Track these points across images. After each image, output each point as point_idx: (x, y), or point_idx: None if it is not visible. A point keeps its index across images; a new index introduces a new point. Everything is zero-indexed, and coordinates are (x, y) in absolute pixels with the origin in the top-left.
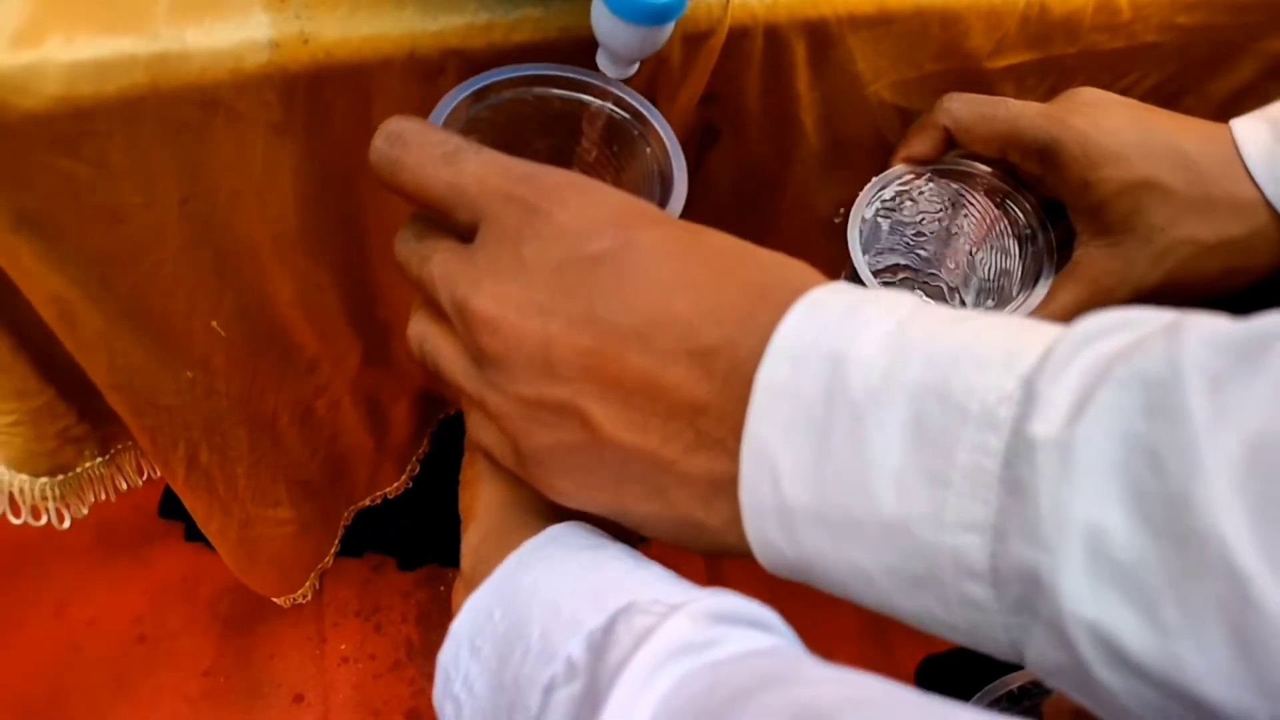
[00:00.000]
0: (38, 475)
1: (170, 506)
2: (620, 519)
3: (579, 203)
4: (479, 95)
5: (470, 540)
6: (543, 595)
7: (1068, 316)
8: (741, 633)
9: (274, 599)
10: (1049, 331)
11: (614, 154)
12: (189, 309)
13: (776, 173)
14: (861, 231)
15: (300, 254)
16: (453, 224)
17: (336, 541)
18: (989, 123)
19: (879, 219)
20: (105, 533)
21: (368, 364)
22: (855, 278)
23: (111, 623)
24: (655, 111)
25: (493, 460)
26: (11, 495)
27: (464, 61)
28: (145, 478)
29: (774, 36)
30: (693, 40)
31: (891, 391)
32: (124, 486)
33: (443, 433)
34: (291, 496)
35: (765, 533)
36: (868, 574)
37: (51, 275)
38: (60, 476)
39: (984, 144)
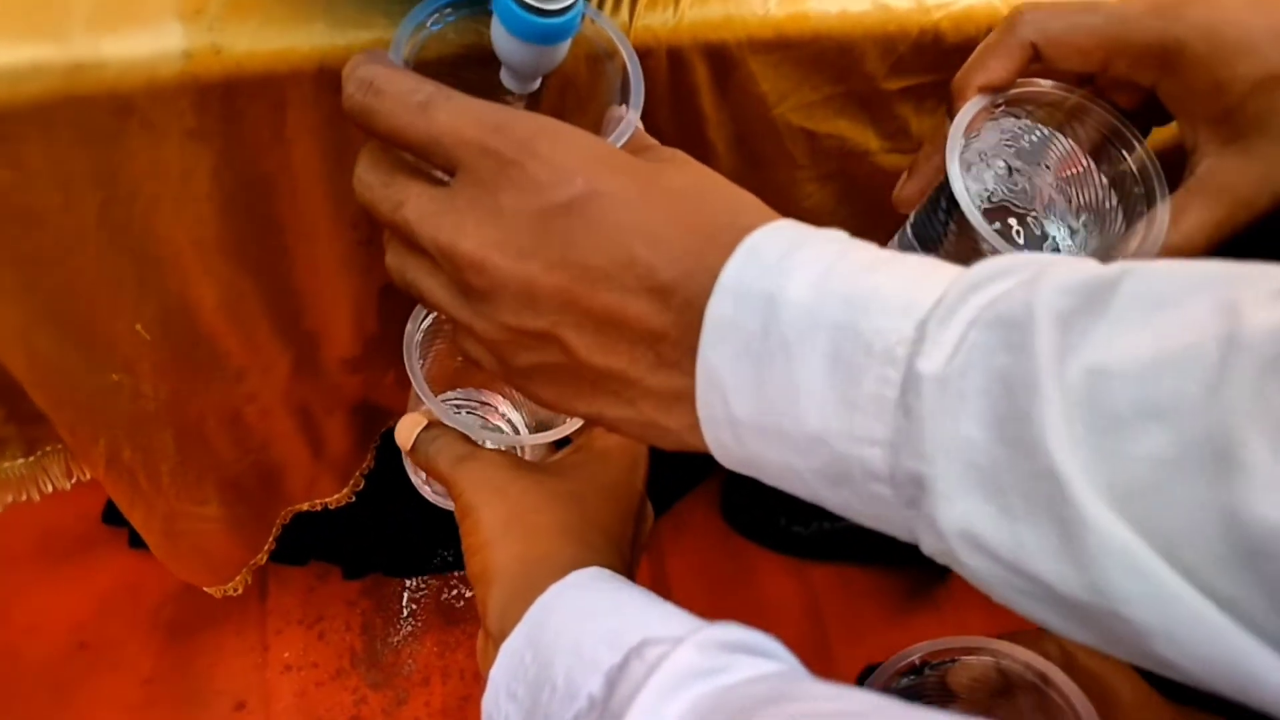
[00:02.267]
0: None
1: (114, 513)
2: (596, 422)
3: (548, 150)
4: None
5: (494, 601)
6: (565, 639)
7: (1206, 238)
8: (748, 659)
9: (205, 589)
10: (945, 277)
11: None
12: (112, 312)
13: None
14: (962, 171)
15: (221, 259)
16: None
17: (271, 540)
18: (1086, 31)
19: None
20: (47, 539)
21: (297, 375)
22: (951, 219)
23: (52, 629)
24: (618, 31)
25: (494, 518)
26: None
27: None
28: (74, 480)
29: (677, 58)
30: (596, 59)
31: (815, 330)
32: (49, 488)
33: (386, 446)
34: (222, 496)
35: (718, 436)
36: (799, 472)
37: None
38: None
39: (1081, 56)
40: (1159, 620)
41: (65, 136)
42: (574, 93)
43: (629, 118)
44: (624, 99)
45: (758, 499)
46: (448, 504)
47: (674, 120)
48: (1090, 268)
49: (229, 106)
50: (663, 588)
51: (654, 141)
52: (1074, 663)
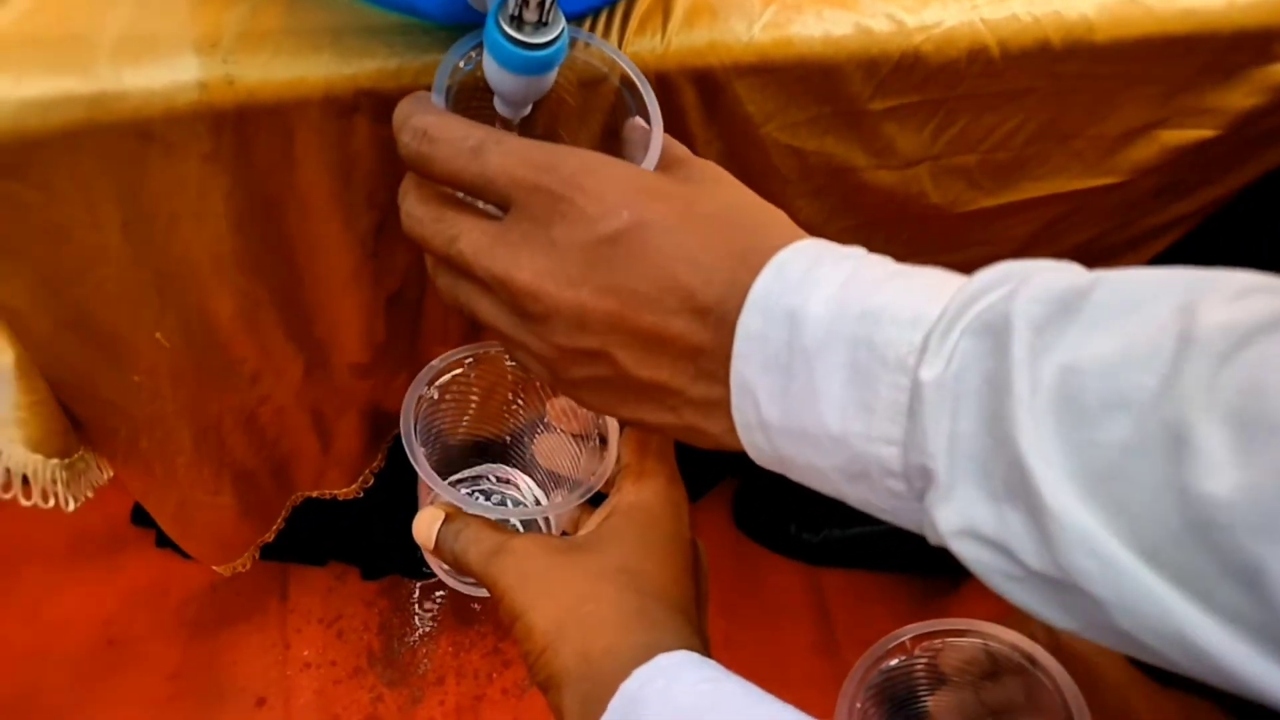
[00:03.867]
0: (50, 457)
1: (142, 515)
2: (637, 426)
3: (594, 186)
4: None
5: (569, 707)
6: None
7: None
8: None
9: (213, 567)
10: (948, 290)
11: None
12: (133, 321)
13: None
14: None
15: (238, 272)
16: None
17: (281, 520)
18: None
19: None
20: (78, 538)
21: (309, 379)
22: None
23: (82, 626)
24: (622, 54)
25: (546, 619)
26: (24, 477)
27: (376, 101)
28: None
29: (665, 81)
30: (589, 84)
31: (834, 342)
32: (105, 477)
33: (399, 447)
34: (235, 488)
35: (752, 438)
36: (822, 471)
37: (2, 284)
38: (66, 460)
39: None
40: (1115, 595)
41: (90, 160)
42: (566, 113)
43: (655, 132)
44: (628, 112)
45: (769, 506)
46: (476, 590)
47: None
48: (1066, 277)
49: (241, 132)
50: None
51: (686, 153)
52: (1060, 645)
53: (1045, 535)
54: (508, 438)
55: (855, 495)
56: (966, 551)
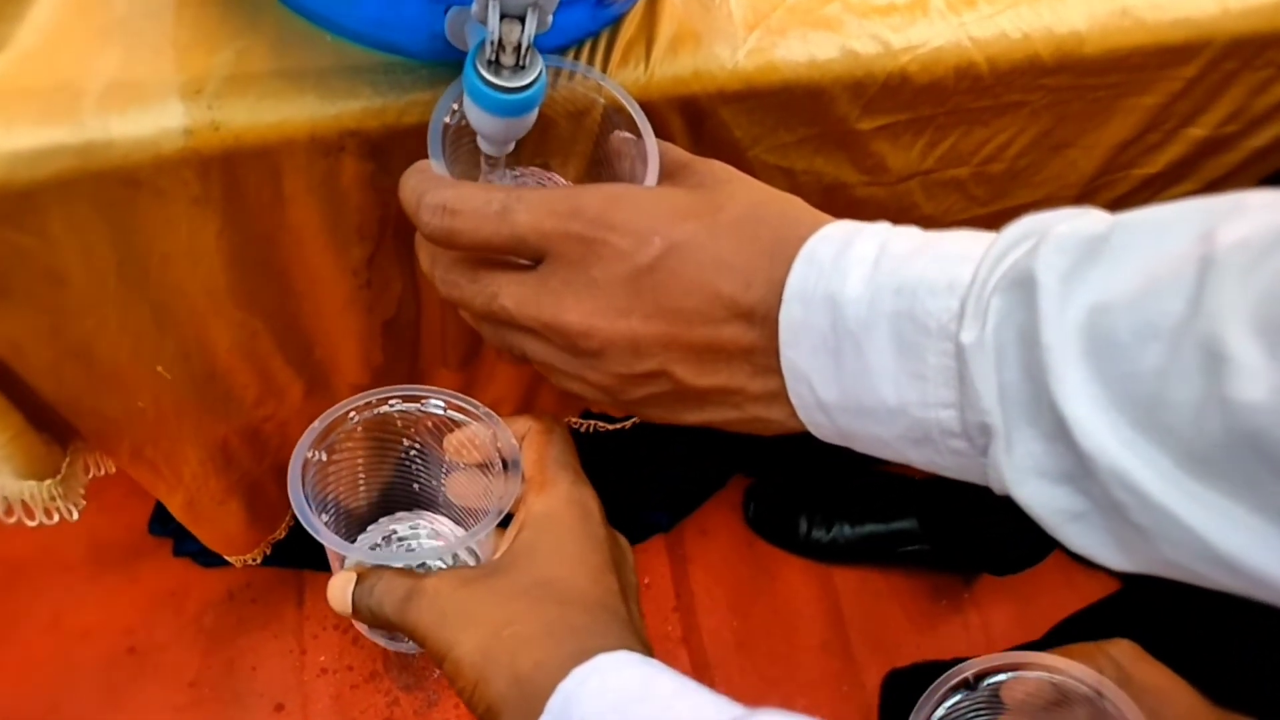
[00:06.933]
0: (42, 480)
1: (159, 524)
2: (703, 425)
3: (622, 221)
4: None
5: None
6: None
7: None
8: None
9: (225, 556)
10: (976, 253)
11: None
12: (134, 356)
13: None
14: None
15: (233, 306)
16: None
17: (290, 517)
18: None
19: None
20: (97, 548)
21: (310, 398)
22: None
23: (103, 635)
24: (607, 78)
25: (471, 652)
26: (23, 502)
27: (361, 141)
28: (91, 475)
29: (650, 110)
30: (575, 116)
31: (876, 320)
32: (102, 471)
33: None
34: (243, 498)
35: (813, 418)
36: (885, 440)
37: (2, 322)
38: (58, 477)
39: None
40: (1152, 524)
41: (82, 206)
42: (555, 142)
43: (650, 145)
44: (613, 128)
45: (780, 504)
46: (408, 647)
47: None
48: (1087, 225)
49: (229, 175)
50: (686, 594)
51: (686, 155)
52: (1128, 678)
53: (1088, 472)
54: (415, 485)
55: (920, 458)
56: (1031, 495)
